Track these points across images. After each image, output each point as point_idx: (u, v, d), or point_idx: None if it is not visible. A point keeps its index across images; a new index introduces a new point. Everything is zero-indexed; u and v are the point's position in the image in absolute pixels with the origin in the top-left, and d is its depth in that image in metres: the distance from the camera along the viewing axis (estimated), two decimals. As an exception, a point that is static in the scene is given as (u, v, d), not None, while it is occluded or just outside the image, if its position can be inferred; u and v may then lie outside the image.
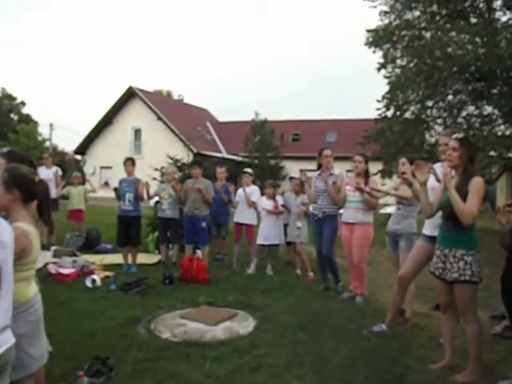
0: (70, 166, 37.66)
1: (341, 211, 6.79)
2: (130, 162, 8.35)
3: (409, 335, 4.99)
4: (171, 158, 11.04)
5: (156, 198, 8.80)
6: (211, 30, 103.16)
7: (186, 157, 12.37)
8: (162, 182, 9.58)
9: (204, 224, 8.18)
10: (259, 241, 8.18)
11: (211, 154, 27.74)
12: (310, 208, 7.32)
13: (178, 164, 10.92)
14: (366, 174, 6.36)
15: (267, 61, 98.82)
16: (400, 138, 16.25)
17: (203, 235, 8.23)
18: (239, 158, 28.15)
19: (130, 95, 31.12)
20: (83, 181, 11.42)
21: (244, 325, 5.13)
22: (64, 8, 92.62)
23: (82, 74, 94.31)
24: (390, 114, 16.92)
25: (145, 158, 23.99)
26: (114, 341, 4.75)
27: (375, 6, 17.39)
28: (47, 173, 10.30)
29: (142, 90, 31.39)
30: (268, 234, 8.11)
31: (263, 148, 26.90)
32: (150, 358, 4.32)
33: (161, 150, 11.57)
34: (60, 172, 10.61)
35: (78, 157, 34.85)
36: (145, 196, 8.26)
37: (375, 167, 15.16)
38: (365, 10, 18.81)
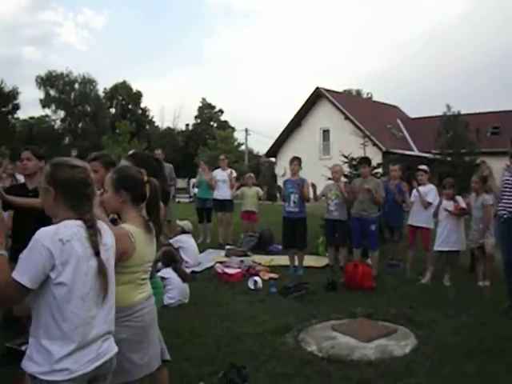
0: (264, 169, 39.15)
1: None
2: (296, 162, 8.08)
3: None
4: (345, 157, 10.57)
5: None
6: (401, 26, 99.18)
7: (374, 156, 11.78)
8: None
9: (374, 227, 7.54)
10: (437, 246, 7.24)
11: (401, 152, 26.41)
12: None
13: (354, 162, 10.38)
14: None
15: (460, 52, 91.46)
16: None
17: (373, 239, 7.60)
18: (431, 156, 26.34)
19: (317, 96, 31.18)
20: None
21: (401, 344, 4.46)
22: (252, 14, 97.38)
23: (273, 77, 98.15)
24: None
25: (333, 159, 23.64)
26: (258, 348, 4.54)
27: None
28: (222, 174, 10.60)
29: (328, 91, 31.22)
30: (447, 238, 7.12)
31: (456, 144, 24.74)
32: (288, 372, 3.98)
33: (349, 149, 11.06)
34: (234, 173, 10.81)
35: (273, 159, 36.19)
36: (311, 196, 7.91)
37: None
38: None
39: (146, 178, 2.74)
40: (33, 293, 1.96)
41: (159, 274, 6.33)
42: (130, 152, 3.52)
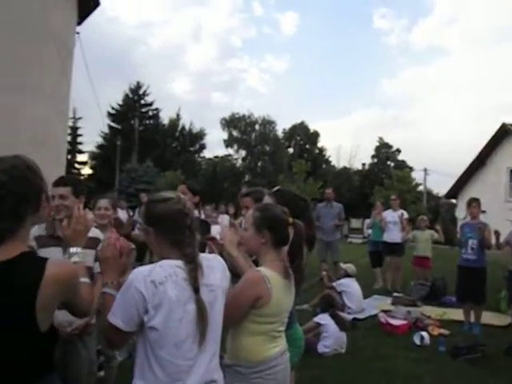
0: (443, 211, 36.88)
1: None
2: (475, 204, 7.24)
3: None
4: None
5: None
6: None
7: None
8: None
9: None
10: None
11: None
12: None
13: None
14: None
15: None
16: None
17: None
18: None
19: (504, 133, 28.57)
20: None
21: None
22: (431, 52, 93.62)
23: (454, 115, 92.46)
24: None
25: (523, 202, 21.43)
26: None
27: None
28: (393, 215, 10.05)
29: (517, 127, 28.50)
30: None
31: None
32: None
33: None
34: (406, 215, 10.14)
35: (453, 201, 33.97)
36: (492, 243, 6.99)
37: None
38: None
39: (290, 219, 2.50)
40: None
41: (315, 319, 6.05)
42: (275, 188, 3.33)
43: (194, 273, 1.92)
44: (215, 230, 4.76)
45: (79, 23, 14.21)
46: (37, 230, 3.23)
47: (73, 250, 2.18)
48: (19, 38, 11.20)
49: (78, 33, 14.39)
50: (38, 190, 1.80)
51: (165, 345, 1.85)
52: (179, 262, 1.93)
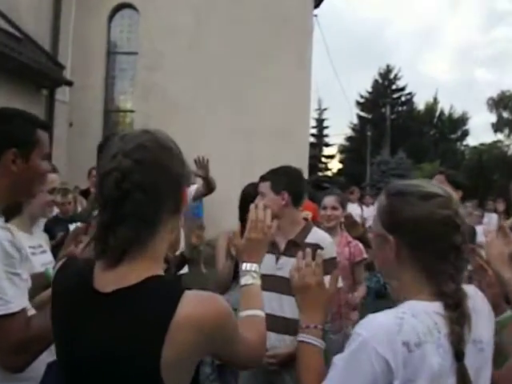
0: None
1: None
2: None
3: None
4: None
5: None
6: None
7: None
8: None
9: None
10: None
11: None
12: None
13: None
14: None
15: None
16: None
17: None
18: None
19: None
20: None
21: None
22: None
23: None
24: None
25: None
26: None
27: None
28: None
29: None
30: None
31: None
32: None
33: None
34: None
35: None
36: None
37: None
38: None
39: None
40: None
41: None
42: None
43: (459, 327, 1.15)
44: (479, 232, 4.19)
45: (316, 6, 13.48)
46: None
47: (245, 266, 1.58)
48: (252, 25, 10.99)
49: (315, 15, 13.64)
50: (177, 180, 1.21)
51: None
52: (437, 306, 1.19)
